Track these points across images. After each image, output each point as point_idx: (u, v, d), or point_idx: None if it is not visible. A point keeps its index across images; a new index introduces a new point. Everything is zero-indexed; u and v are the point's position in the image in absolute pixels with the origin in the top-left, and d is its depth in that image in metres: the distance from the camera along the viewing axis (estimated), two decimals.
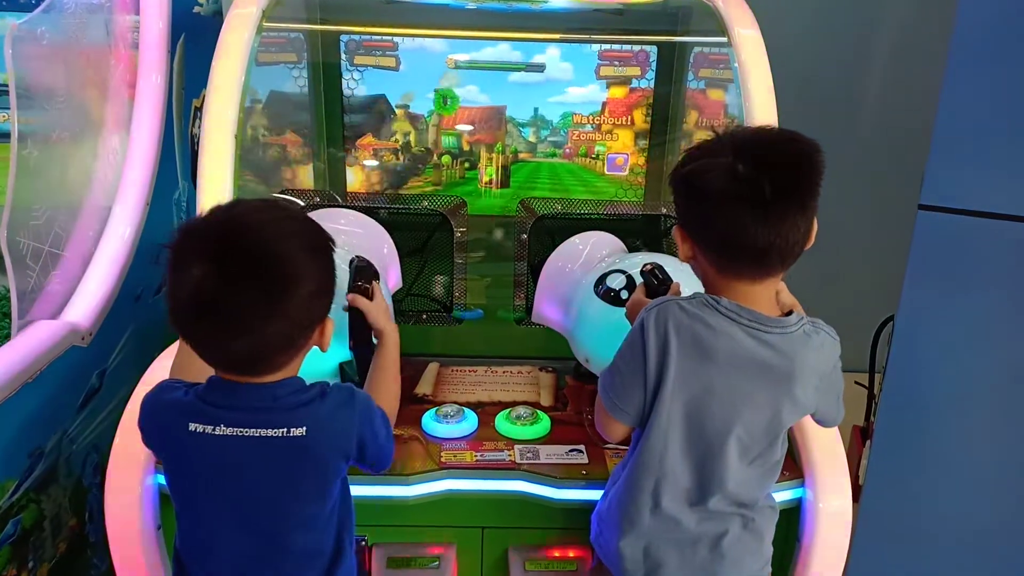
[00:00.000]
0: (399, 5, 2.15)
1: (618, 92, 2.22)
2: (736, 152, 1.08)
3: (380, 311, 1.33)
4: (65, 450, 1.72)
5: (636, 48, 2.20)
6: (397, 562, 1.47)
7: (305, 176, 2.29)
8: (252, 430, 1.05)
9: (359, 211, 1.75)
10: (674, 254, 1.83)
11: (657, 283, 1.38)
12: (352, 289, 1.32)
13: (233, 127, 1.68)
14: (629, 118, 2.24)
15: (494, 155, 2.23)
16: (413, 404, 1.67)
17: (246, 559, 1.11)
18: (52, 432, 1.67)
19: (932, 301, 1.96)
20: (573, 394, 1.72)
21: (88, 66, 1.91)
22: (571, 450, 1.51)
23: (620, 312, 1.42)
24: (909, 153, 2.21)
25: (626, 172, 2.30)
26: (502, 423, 1.58)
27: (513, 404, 1.66)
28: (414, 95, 2.19)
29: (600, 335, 1.58)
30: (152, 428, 1.12)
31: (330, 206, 1.80)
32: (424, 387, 1.74)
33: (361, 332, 1.34)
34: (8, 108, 1.55)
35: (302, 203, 1.84)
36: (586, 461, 1.48)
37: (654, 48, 2.20)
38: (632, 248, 1.76)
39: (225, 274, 0.97)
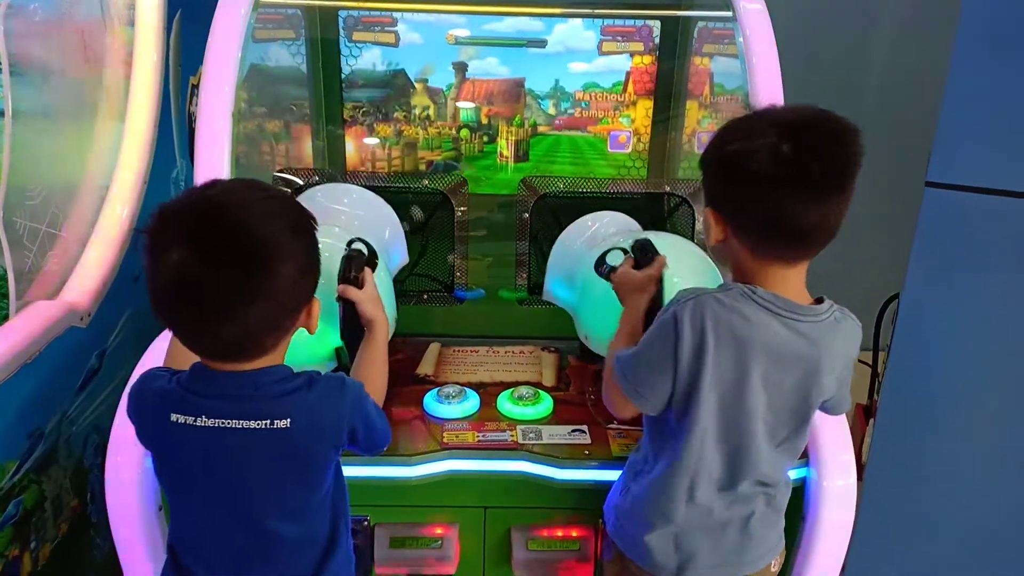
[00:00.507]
0: None
1: (641, 61, 2.17)
2: (780, 132, 1.05)
3: (370, 301, 1.31)
4: (65, 431, 1.71)
5: (639, 23, 2.16)
6: (399, 542, 1.47)
7: (303, 153, 2.27)
8: (234, 421, 1.02)
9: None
10: (678, 232, 1.83)
11: (643, 256, 1.37)
12: (343, 280, 1.31)
13: (230, 105, 1.65)
14: (654, 88, 2.20)
15: (513, 128, 2.20)
16: (414, 384, 1.66)
17: (237, 550, 1.10)
18: (52, 413, 1.67)
19: (938, 279, 1.94)
20: (576, 374, 1.71)
21: (82, 43, 1.88)
22: (574, 430, 1.50)
23: None
24: (915, 129, 2.19)
25: (628, 150, 2.27)
26: (504, 403, 1.57)
27: (515, 384, 1.65)
28: (434, 68, 2.16)
29: (600, 313, 1.57)
30: (137, 419, 1.10)
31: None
32: (425, 367, 1.73)
33: (353, 322, 1.33)
34: (1, 86, 1.53)
35: (301, 182, 1.82)
36: (589, 441, 1.47)
37: (658, 23, 2.16)
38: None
39: (206, 258, 0.94)
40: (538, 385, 1.66)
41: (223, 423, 1.02)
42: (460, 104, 2.18)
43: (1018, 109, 1.77)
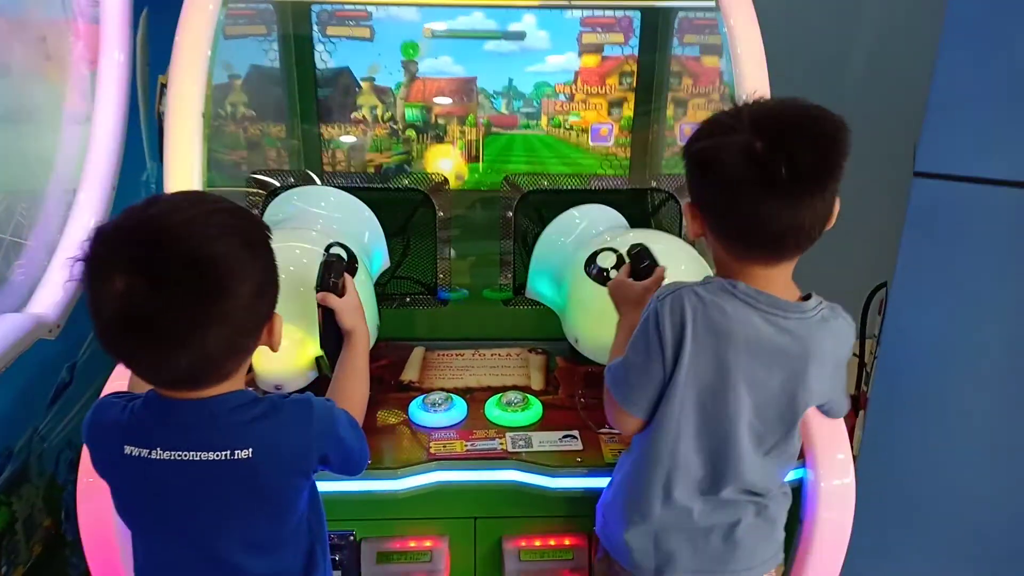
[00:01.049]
0: None
1: (591, 60, 2.14)
2: (754, 129, 1.00)
3: (350, 309, 1.26)
4: (36, 448, 1.65)
5: (619, 14, 2.11)
6: (387, 556, 1.42)
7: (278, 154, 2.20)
8: (191, 453, 0.96)
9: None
10: (665, 230, 1.79)
11: (643, 266, 1.32)
12: (321, 287, 1.26)
13: (200, 105, 1.59)
14: (603, 87, 2.16)
15: (466, 128, 2.14)
16: (399, 392, 1.62)
17: None
18: (22, 430, 1.61)
19: (927, 267, 1.93)
20: (565, 376, 1.67)
21: (44, 42, 1.81)
22: (564, 436, 1.46)
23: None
24: (899, 119, 2.17)
25: (611, 143, 2.23)
26: (492, 410, 1.53)
27: (503, 389, 1.60)
28: (380, 67, 2.09)
29: (590, 316, 1.53)
30: (92, 450, 1.03)
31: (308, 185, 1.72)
32: (410, 373, 1.68)
33: (333, 330, 1.28)
34: None
35: (278, 183, 1.77)
36: (580, 448, 1.43)
37: (637, 13, 2.12)
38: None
39: (152, 284, 0.86)
40: (526, 389, 1.62)
41: (179, 455, 0.96)
42: (408, 104, 2.12)
43: (1005, 98, 1.76)
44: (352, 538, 1.42)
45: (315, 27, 2.07)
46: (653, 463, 1.14)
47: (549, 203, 1.80)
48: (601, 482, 1.35)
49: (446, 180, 1.77)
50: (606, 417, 1.22)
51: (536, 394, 1.60)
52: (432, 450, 1.41)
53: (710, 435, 1.13)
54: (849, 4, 2.77)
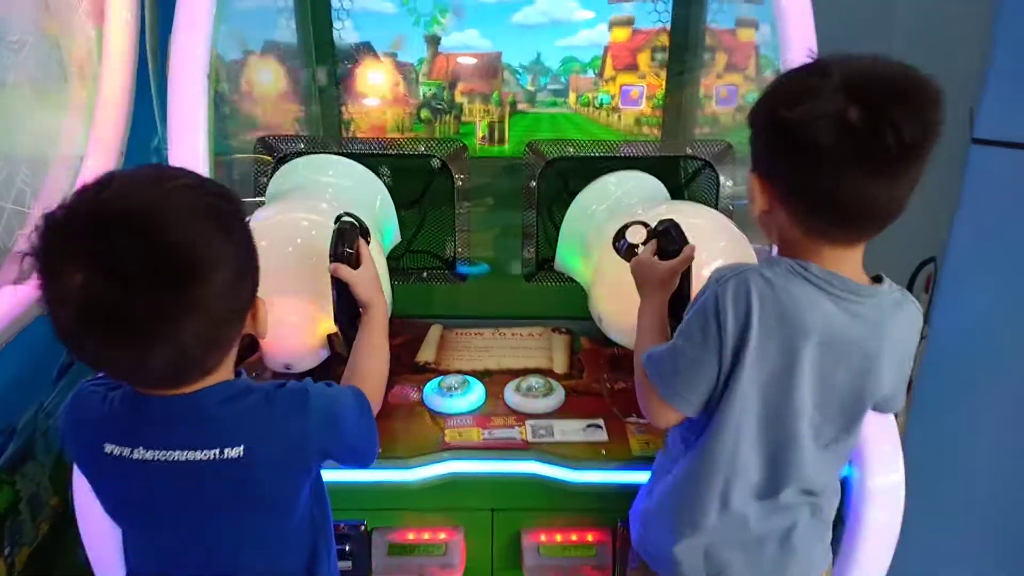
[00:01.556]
0: None
1: (621, 34, 2.00)
2: (848, 92, 0.87)
3: (367, 281, 1.17)
4: (42, 425, 1.60)
5: None
6: (399, 548, 1.35)
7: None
8: (176, 453, 0.87)
9: (351, 158, 1.58)
10: (703, 202, 1.66)
11: (668, 243, 1.20)
12: (335, 257, 1.16)
13: (205, 65, 1.50)
14: (634, 63, 2.02)
15: (490, 107, 2.02)
16: (415, 373, 1.54)
17: None
18: (25, 407, 1.55)
19: (985, 241, 1.80)
20: (590, 359, 1.57)
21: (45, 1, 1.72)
22: (588, 425, 1.36)
23: None
24: (950, 85, 2.01)
25: (643, 105, 2.09)
26: (512, 395, 1.43)
27: (524, 372, 1.51)
28: (403, 41, 1.97)
29: (615, 294, 1.42)
30: (71, 445, 0.95)
31: (316, 152, 1.62)
32: (426, 353, 1.59)
33: (348, 304, 1.18)
34: None
35: (283, 149, 1.67)
36: (606, 438, 1.33)
37: None
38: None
39: (114, 277, 0.76)
40: (548, 372, 1.53)
41: (164, 456, 0.87)
42: (427, 83, 1.98)
43: None
44: (363, 528, 1.35)
45: None
46: (710, 470, 1.03)
47: (575, 171, 1.68)
48: (627, 476, 1.26)
49: (465, 147, 1.66)
50: (639, 406, 1.12)
51: (559, 378, 1.50)
52: (447, 438, 1.32)
53: (771, 434, 1.02)
54: None
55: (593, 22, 1.94)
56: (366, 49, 1.96)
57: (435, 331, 1.69)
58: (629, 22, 1.96)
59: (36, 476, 1.59)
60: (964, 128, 1.79)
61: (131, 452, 0.88)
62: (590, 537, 1.35)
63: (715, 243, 1.24)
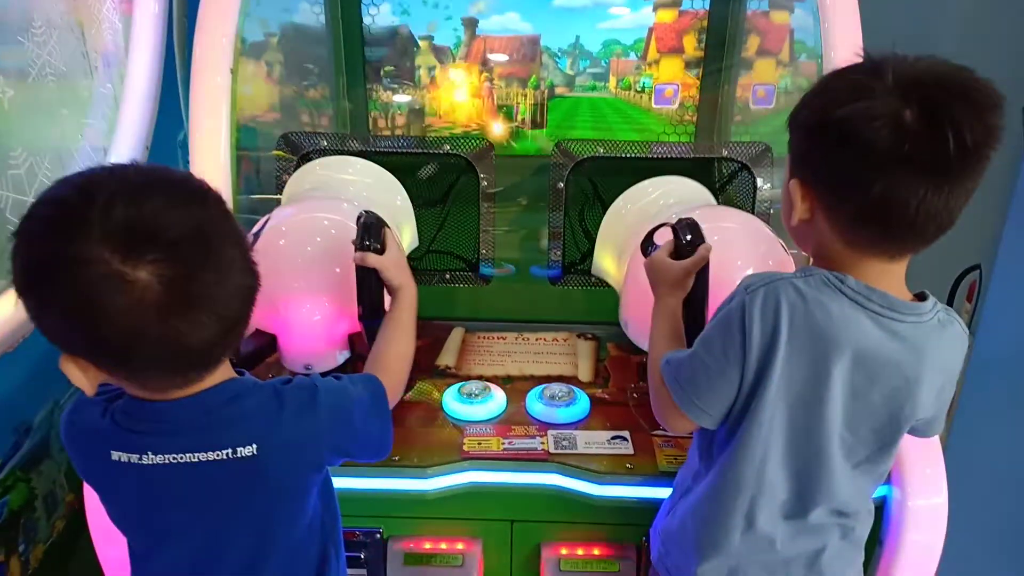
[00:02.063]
0: None
1: (666, 16, 1.93)
2: (905, 93, 0.82)
3: (395, 266, 1.15)
4: (57, 423, 1.58)
5: None
6: (415, 558, 1.31)
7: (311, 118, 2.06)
8: (188, 455, 0.84)
9: (374, 155, 1.54)
10: (737, 206, 1.60)
11: (685, 243, 1.15)
12: (360, 248, 1.14)
13: (229, 59, 1.48)
14: (679, 46, 1.95)
15: (528, 91, 1.97)
16: (435, 378, 1.49)
17: None
18: (41, 405, 1.54)
19: None
20: (616, 366, 1.52)
21: None
22: (614, 437, 1.31)
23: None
24: (1001, 78, 1.92)
25: (675, 105, 2.03)
26: (534, 403, 1.39)
27: (547, 379, 1.46)
28: (437, 24, 1.93)
29: (642, 299, 1.36)
30: (73, 453, 0.91)
31: (338, 152, 1.59)
32: (447, 358, 1.55)
33: (373, 298, 1.15)
34: None
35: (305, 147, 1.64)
36: (631, 452, 1.28)
37: None
38: None
39: (166, 289, 0.73)
40: (572, 380, 1.48)
41: (175, 458, 0.84)
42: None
43: None
44: (379, 536, 1.31)
45: None
46: (735, 489, 0.98)
47: (604, 171, 1.63)
48: (653, 492, 1.21)
49: (491, 145, 1.61)
50: (653, 411, 1.07)
51: (583, 386, 1.45)
52: (466, 447, 1.28)
53: (799, 452, 0.96)
54: None
55: (637, 3, 1.88)
56: (402, 32, 1.91)
57: (456, 334, 1.64)
58: (676, 3, 1.90)
59: (52, 474, 1.57)
60: (1016, 128, 1.70)
61: (140, 458, 0.85)
62: (613, 553, 1.30)
63: (754, 248, 1.18)
